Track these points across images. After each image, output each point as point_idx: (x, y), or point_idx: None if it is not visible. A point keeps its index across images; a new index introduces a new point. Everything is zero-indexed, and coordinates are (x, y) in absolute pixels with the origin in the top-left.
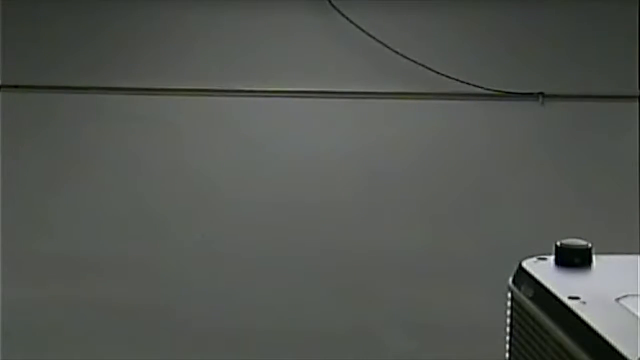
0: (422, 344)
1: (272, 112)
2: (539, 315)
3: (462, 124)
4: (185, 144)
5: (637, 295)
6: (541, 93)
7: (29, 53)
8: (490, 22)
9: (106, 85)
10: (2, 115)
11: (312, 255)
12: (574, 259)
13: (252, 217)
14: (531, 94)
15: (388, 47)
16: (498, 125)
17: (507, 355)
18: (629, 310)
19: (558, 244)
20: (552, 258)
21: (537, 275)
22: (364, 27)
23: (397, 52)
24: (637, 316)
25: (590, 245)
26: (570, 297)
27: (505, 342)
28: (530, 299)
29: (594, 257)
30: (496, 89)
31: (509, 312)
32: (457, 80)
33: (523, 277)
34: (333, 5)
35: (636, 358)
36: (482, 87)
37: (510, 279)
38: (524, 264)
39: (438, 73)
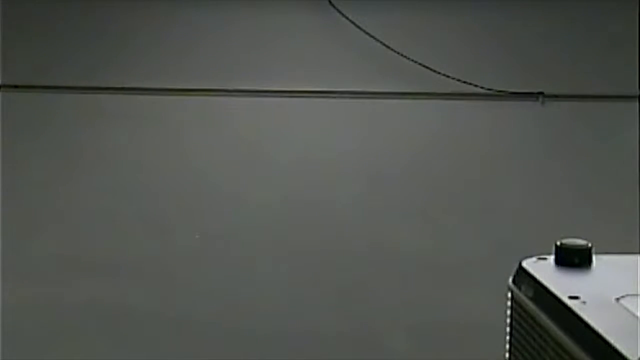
0: (422, 344)
1: (272, 112)
2: (539, 315)
3: (462, 124)
4: (186, 144)
5: (637, 295)
6: (541, 93)
7: (29, 53)
8: (490, 23)
9: (106, 85)
10: (2, 115)
11: (312, 254)
12: (574, 259)
13: (252, 216)
14: (531, 94)
15: (388, 47)
16: (498, 125)
17: (507, 355)
18: (629, 310)
19: (558, 244)
20: (552, 258)
21: (537, 275)
22: (364, 27)
23: (397, 52)
24: (637, 316)
25: (590, 245)
26: (570, 297)
27: (505, 342)
28: (530, 299)
29: (594, 257)
30: (496, 89)
31: (509, 312)
32: (457, 80)
33: (523, 277)
34: (333, 5)
35: (636, 358)
36: (482, 87)
37: (510, 279)
38: (524, 264)
39: (438, 73)
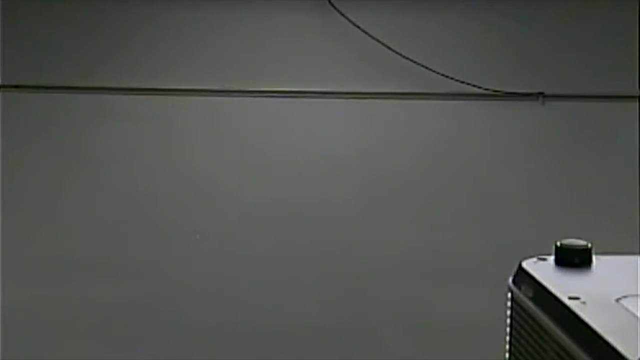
0: (422, 344)
1: (272, 112)
2: (539, 315)
3: (462, 124)
4: (186, 144)
5: (637, 295)
6: (541, 93)
7: (29, 53)
8: (490, 22)
9: (106, 85)
10: (2, 115)
11: (312, 255)
12: (574, 259)
13: (252, 216)
14: (531, 94)
15: (388, 47)
16: (498, 125)
17: (507, 355)
18: (629, 310)
19: (558, 244)
20: (552, 258)
21: (537, 275)
22: (364, 27)
23: (397, 52)
24: (637, 316)
25: (590, 245)
26: (570, 297)
27: (505, 342)
28: (530, 299)
29: (594, 257)
30: (496, 89)
31: (509, 312)
32: (457, 80)
33: (523, 277)
34: (333, 5)
35: (636, 358)
36: (482, 87)
37: (510, 279)
38: (524, 264)
39: (438, 73)
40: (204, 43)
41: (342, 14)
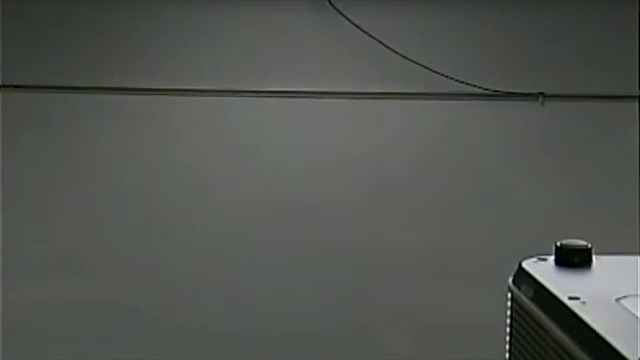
0: (422, 345)
1: (271, 112)
2: (539, 315)
3: (462, 124)
4: (186, 144)
5: (637, 295)
6: (541, 93)
7: (29, 53)
8: (490, 22)
9: (106, 85)
10: (2, 115)
11: (312, 255)
12: (574, 259)
13: (251, 217)
14: (531, 94)
15: (388, 47)
16: (498, 125)
17: (507, 355)
18: (629, 310)
19: (558, 244)
20: (552, 258)
21: (537, 275)
22: (364, 27)
23: (397, 52)
24: (637, 316)
25: (590, 245)
26: (570, 297)
27: (505, 342)
28: (530, 299)
29: (594, 257)
30: (496, 89)
31: (509, 312)
32: (457, 80)
33: (523, 277)
34: (333, 5)
35: (636, 358)
36: (482, 87)
37: (510, 279)
38: (524, 264)
39: (438, 73)
40: (203, 43)
41: (342, 14)
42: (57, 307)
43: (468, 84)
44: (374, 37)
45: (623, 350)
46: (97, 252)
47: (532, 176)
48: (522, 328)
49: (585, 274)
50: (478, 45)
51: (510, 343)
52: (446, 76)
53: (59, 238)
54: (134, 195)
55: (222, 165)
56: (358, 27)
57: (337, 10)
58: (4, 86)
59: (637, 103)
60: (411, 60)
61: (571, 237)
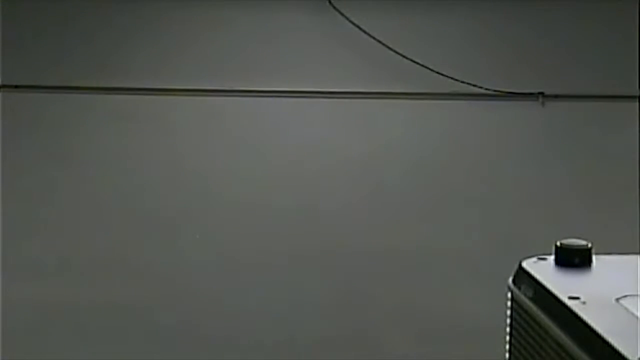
0: (422, 344)
1: (272, 112)
2: (539, 315)
3: (462, 124)
4: (185, 144)
5: (637, 295)
6: (541, 93)
7: (29, 53)
8: (491, 22)
9: (106, 85)
10: (2, 115)
11: (312, 255)
12: (574, 259)
13: (251, 217)
14: (531, 94)
15: (388, 47)
16: (498, 125)
17: (507, 355)
18: (629, 310)
19: (558, 244)
20: (552, 258)
21: (537, 275)
22: (364, 27)
23: (397, 52)
24: (637, 316)
25: (590, 245)
26: (570, 297)
27: (505, 342)
28: (530, 299)
29: (594, 257)
30: (496, 89)
31: (509, 312)
32: (457, 80)
33: (523, 277)
34: (333, 5)
35: (636, 358)
36: (482, 87)
37: (510, 279)
38: (524, 264)
39: (438, 73)
40: (203, 43)
41: (342, 14)
42: (57, 307)
43: (468, 84)
44: (374, 37)
45: (623, 350)
46: (96, 252)
47: (532, 176)
48: (522, 328)
49: (585, 274)
50: (478, 45)
51: (510, 343)
52: (446, 76)
53: (59, 238)
54: (134, 195)
55: (221, 165)
56: (358, 27)
57: (338, 10)
58: (4, 86)
59: (637, 103)
60: (411, 60)
61: (571, 237)
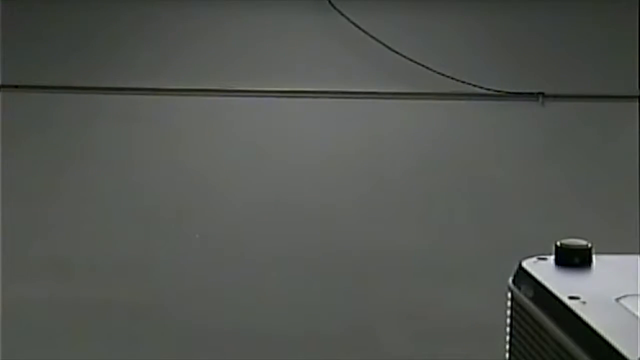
0: (422, 344)
1: (272, 112)
2: (539, 315)
3: (462, 124)
4: (185, 144)
5: (637, 295)
6: (541, 93)
7: (29, 53)
8: (491, 22)
9: (106, 85)
10: (2, 115)
11: (312, 254)
12: (574, 259)
13: (251, 216)
14: (531, 94)
15: (388, 47)
16: (498, 125)
17: (507, 355)
18: (629, 310)
19: (558, 244)
20: (552, 258)
21: (537, 275)
22: (364, 27)
23: (397, 52)
24: (637, 316)
25: (590, 245)
26: (570, 297)
27: (505, 342)
28: (530, 299)
29: (594, 257)
30: (496, 89)
31: (509, 312)
32: (457, 80)
33: (523, 277)
34: (333, 5)
35: (636, 358)
36: (482, 87)
37: (510, 279)
38: (524, 264)
39: (438, 73)
40: (203, 43)
41: (342, 14)
42: (57, 307)
43: (468, 84)
44: (374, 37)
45: (623, 350)
46: (97, 252)
47: (532, 176)
48: (522, 328)
49: (585, 274)
50: (478, 45)
51: (510, 343)
52: (446, 76)
53: (58, 238)
54: (134, 195)
55: (221, 164)
56: (358, 27)
57: (338, 10)
58: (4, 86)
59: (637, 103)
60: (411, 60)
61: (571, 237)
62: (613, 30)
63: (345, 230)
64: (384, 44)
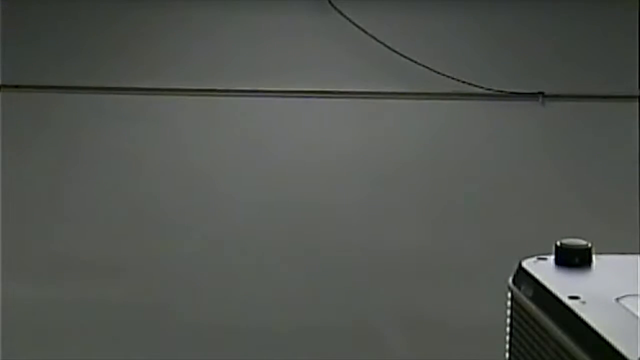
0: (422, 344)
1: (272, 112)
2: (539, 315)
3: (462, 124)
4: (185, 144)
5: (637, 295)
6: (541, 93)
7: (29, 53)
8: (491, 22)
9: (106, 85)
10: (2, 115)
11: (312, 254)
12: (574, 259)
13: (251, 216)
14: (531, 94)
15: (388, 47)
16: (498, 125)
17: (507, 355)
18: (629, 310)
19: (558, 244)
20: (552, 258)
21: (537, 275)
22: (364, 27)
23: (397, 52)
24: (637, 316)
25: (590, 245)
26: (570, 297)
27: (505, 342)
28: (530, 299)
29: (594, 257)
30: (496, 89)
31: (509, 312)
32: (457, 80)
33: (523, 277)
34: (333, 5)
35: (636, 358)
36: (482, 87)
37: (510, 279)
38: (524, 264)
39: (438, 73)
40: (203, 43)
41: (342, 14)
42: (57, 307)
43: (469, 84)
44: (374, 37)
45: (623, 350)
46: (97, 252)
47: (532, 176)
48: (522, 328)
49: (585, 274)
50: (478, 45)
51: (510, 343)
52: (446, 76)
53: (59, 238)
54: (134, 195)
55: (222, 164)
56: (359, 27)
57: (338, 10)
58: (4, 86)
59: (637, 103)
60: (411, 60)
61: (571, 237)
62: (613, 30)
63: (345, 229)
64: (384, 44)
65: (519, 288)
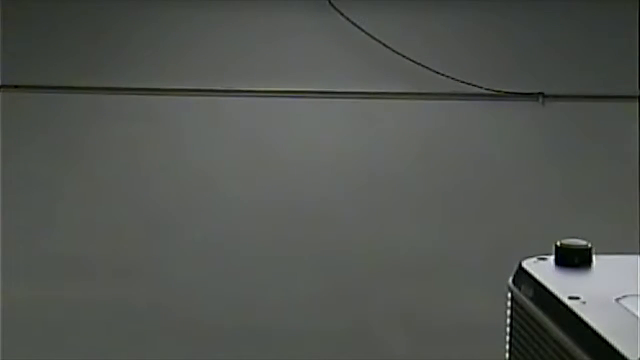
0: (421, 344)
1: (272, 112)
2: (539, 315)
3: (462, 124)
4: (186, 144)
5: (637, 295)
6: (541, 93)
7: (29, 53)
8: (490, 22)
9: (106, 85)
10: (2, 115)
11: (312, 254)
12: (574, 259)
13: (251, 216)
14: (531, 94)
15: (388, 47)
16: (498, 125)
17: (507, 355)
18: (629, 310)
19: (558, 244)
20: (552, 258)
21: (537, 275)
22: (364, 27)
23: (397, 52)
24: (637, 316)
25: (590, 245)
26: (570, 297)
27: (505, 342)
28: (530, 299)
29: (594, 257)
30: (496, 89)
31: (509, 312)
32: (457, 80)
33: (523, 277)
34: (333, 5)
35: (636, 358)
36: (482, 87)
37: (510, 279)
38: (524, 264)
39: (438, 73)
40: (203, 43)
41: (342, 14)
42: (57, 307)
43: (468, 84)
44: (374, 37)
45: (623, 350)
46: (97, 252)
47: (532, 176)
48: (522, 328)
49: (585, 274)
50: (478, 45)
51: (510, 343)
52: (446, 76)
53: (59, 238)
54: (134, 195)
55: (222, 164)
56: (358, 27)
57: (338, 10)
58: (4, 86)
59: (637, 103)
60: (411, 60)
61: (571, 237)
62: (613, 30)
63: (345, 229)
64: (384, 44)
65: (519, 288)
